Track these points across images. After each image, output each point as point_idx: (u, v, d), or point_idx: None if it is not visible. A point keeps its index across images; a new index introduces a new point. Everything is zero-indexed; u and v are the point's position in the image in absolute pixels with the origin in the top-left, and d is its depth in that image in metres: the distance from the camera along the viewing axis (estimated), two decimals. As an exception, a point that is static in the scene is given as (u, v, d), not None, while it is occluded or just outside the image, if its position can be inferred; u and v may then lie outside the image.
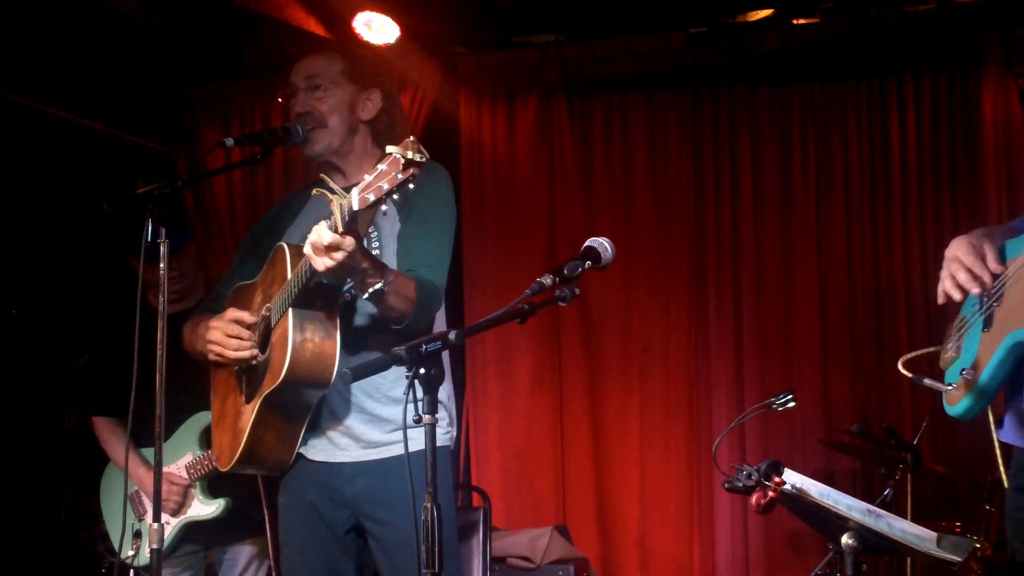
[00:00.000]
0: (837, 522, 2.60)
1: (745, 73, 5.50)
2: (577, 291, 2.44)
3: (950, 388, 2.35)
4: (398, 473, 2.83)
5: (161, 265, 2.76)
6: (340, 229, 2.49)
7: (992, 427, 2.37)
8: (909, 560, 4.33)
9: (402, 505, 2.77)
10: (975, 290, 2.28)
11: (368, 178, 2.40)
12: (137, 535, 3.79)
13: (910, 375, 2.44)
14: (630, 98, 5.70)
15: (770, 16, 5.44)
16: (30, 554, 5.54)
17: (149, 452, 3.89)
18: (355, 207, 2.43)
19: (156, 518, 2.72)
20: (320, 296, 2.75)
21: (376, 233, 2.95)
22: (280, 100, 3.13)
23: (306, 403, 2.85)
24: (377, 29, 5.14)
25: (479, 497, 4.83)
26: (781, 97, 5.52)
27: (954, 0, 5.13)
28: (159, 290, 3.99)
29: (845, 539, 2.59)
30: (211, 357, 2.92)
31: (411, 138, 2.38)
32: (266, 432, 2.84)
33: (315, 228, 2.54)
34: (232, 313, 2.89)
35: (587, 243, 2.53)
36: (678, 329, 5.56)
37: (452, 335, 2.32)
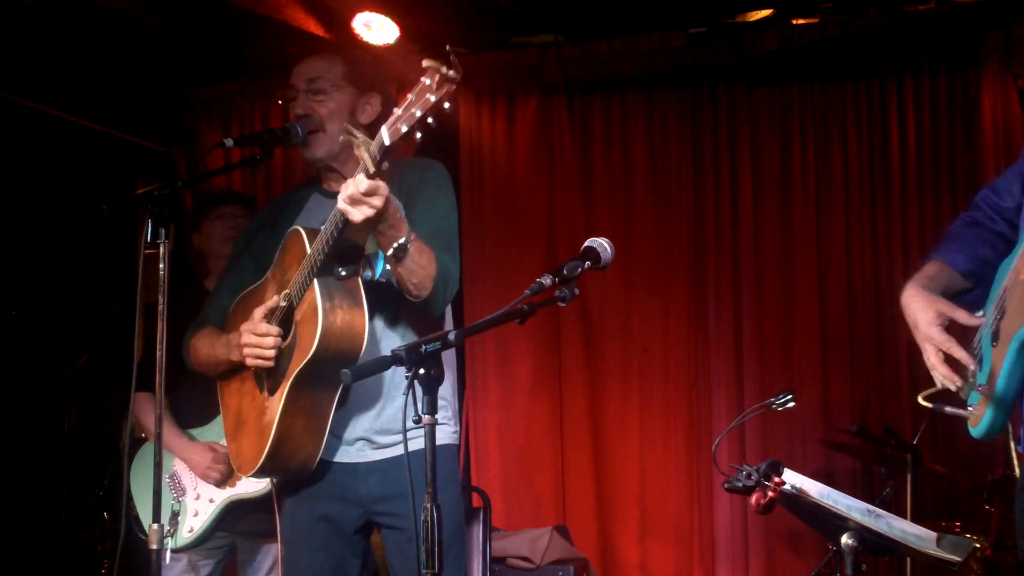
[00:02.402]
0: (837, 522, 2.60)
1: (745, 73, 5.50)
2: (577, 291, 2.44)
3: (971, 410, 2.34)
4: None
5: (161, 265, 2.75)
6: (372, 170, 2.47)
7: (1011, 442, 2.37)
8: (909, 560, 4.33)
9: (416, 497, 2.79)
10: (957, 383, 2.29)
11: (398, 111, 2.37)
12: (174, 516, 3.78)
13: (931, 405, 2.44)
14: (630, 98, 5.70)
15: (770, 16, 5.44)
16: (30, 554, 5.54)
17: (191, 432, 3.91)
18: (387, 142, 2.40)
19: (156, 519, 2.72)
20: (341, 264, 2.71)
21: None
22: (280, 102, 3.12)
23: (335, 381, 2.77)
24: (376, 30, 5.13)
25: (479, 497, 4.83)
26: (781, 97, 5.52)
27: (954, 0, 5.13)
28: (208, 258, 4.05)
29: (845, 539, 2.59)
30: (248, 362, 2.86)
31: (447, 47, 2.34)
32: (295, 420, 2.80)
33: (349, 181, 2.53)
34: (258, 312, 2.85)
35: (586, 243, 2.53)
36: (678, 329, 5.56)
37: (452, 335, 2.32)
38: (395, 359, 2.29)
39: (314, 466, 2.90)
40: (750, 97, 5.54)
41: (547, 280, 2.42)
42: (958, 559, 2.54)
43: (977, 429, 2.34)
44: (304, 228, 2.82)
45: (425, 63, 2.34)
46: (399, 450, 2.90)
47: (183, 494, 3.82)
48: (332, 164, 3.05)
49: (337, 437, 2.94)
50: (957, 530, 4.34)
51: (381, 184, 2.51)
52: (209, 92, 6.09)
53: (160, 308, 2.74)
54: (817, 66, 5.41)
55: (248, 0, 4.96)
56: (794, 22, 5.41)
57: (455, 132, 5.83)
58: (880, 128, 5.37)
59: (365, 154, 2.46)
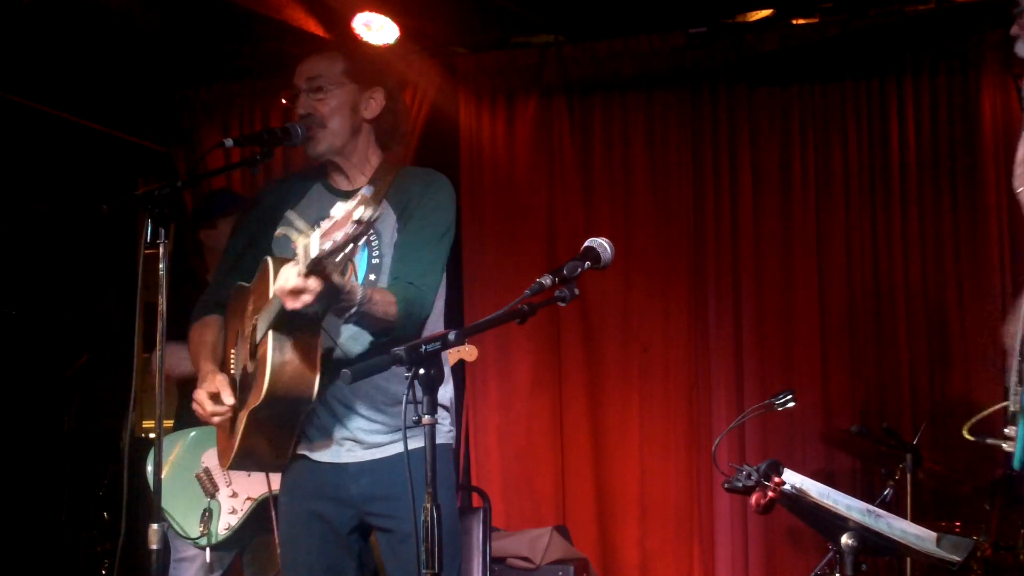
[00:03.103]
0: (837, 522, 2.60)
1: (745, 73, 5.50)
2: (577, 291, 2.44)
3: (1005, 447, 2.35)
4: (401, 469, 2.85)
5: (161, 265, 2.75)
6: (303, 272, 2.48)
7: None
8: (909, 560, 4.33)
9: (406, 498, 2.79)
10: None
11: (325, 224, 2.39)
12: (207, 514, 3.79)
13: (973, 438, 2.45)
14: (630, 98, 5.70)
15: (769, 16, 5.44)
16: (30, 554, 5.55)
17: (197, 430, 3.92)
18: (313, 254, 2.42)
19: (156, 519, 2.72)
20: (298, 317, 2.72)
21: (377, 241, 2.95)
22: (284, 102, 3.11)
23: (292, 414, 2.83)
24: (376, 30, 5.14)
25: (479, 497, 4.83)
26: (781, 97, 5.52)
27: (954, 0, 5.13)
28: (215, 255, 4.05)
29: (845, 539, 2.59)
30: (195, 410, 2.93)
31: (363, 191, 2.37)
32: (259, 440, 2.84)
33: (282, 271, 2.55)
34: (220, 383, 2.86)
35: (586, 243, 2.53)
36: (678, 329, 5.56)
37: (452, 335, 2.32)
38: (395, 359, 2.29)
39: (285, 467, 2.95)
40: (750, 97, 5.54)
41: (547, 280, 2.42)
42: (958, 559, 2.54)
43: (1014, 463, 2.35)
44: (273, 261, 2.79)
45: (341, 207, 2.37)
46: (389, 450, 2.91)
47: (216, 491, 3.83)
48: (335, 159, 3.05)
49: (327, 437, 2.95)
50: (957, 530, 4.34)
51: (309, 284, 2.50)
52: (209, 92, 6.09)
53: (160, 308, 2.73)
54: (817, 66, 5.41)
55: (248, 0, 4.96)
56: (794, 22, 5.41)
57: (455, 132, 5.83)
58: (880, 128, 5.36)
59: (301, 252, 2.46)
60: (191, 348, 3.06)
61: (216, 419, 2.85)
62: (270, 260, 2.80)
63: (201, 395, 2.85)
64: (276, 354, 2.70)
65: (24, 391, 5.59)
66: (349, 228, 2.36)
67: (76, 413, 5.70)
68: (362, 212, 2.35)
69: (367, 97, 3.04)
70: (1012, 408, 2.36)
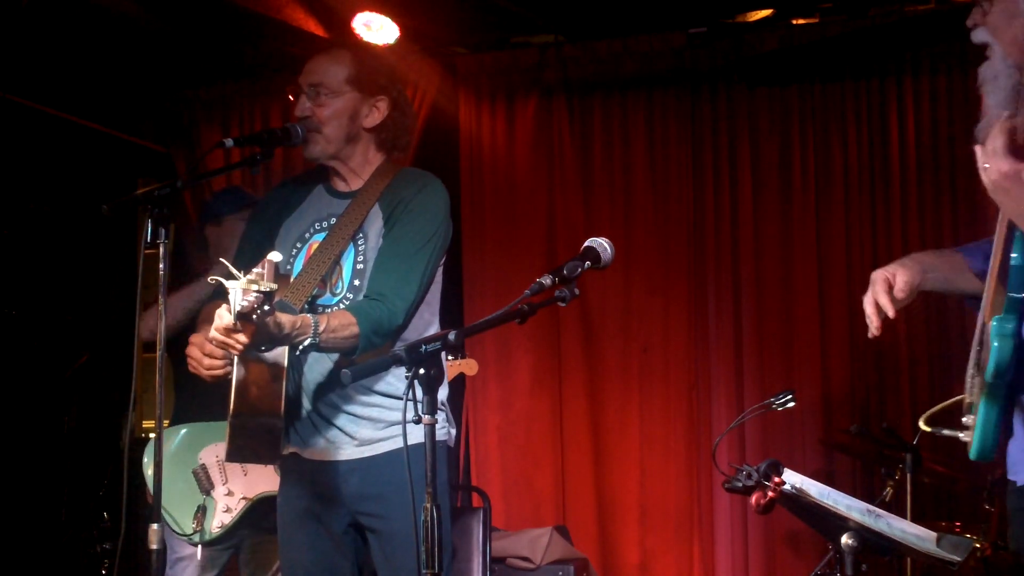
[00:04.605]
0: (837, 522, 2.60)
1: (744, 73, 5.50)
2: (576, 291, 2.44)
3: (962, 436, 2.36)
4: (390, 468, 2.85)
5: (160, 265, 2.74)
6: (232, 321, 2.47)
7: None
8: (909, 560, 4.32)
9: (394, 498, 2.80)
10: (873, 326, 2.40)
11: (244, 280, 2.39)
12: (201, 511, 3.80)
13: (930, 429, 2.46)
14: (630, 98, 5.70)
15: (769, 16, 5.44)
16: (30, 554, 5.54)
17: (195, 426, 3.93)
18: (236, 308, 2.40)
19: (156, 519, 2.72)
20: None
21: (363, 246, 2.94)
22: (291, 98, 3.11)
23: (266, 428, 2.80)
24: (376, 30, 5.14)
25: (479, 497, 4.84)
26: (780, 97, 5.52)
27: (954, 0, 5.13)
28: (218, 252, 4.04)
29: (845, 539, 2.59)
30: (190, 369, 2.86)
31: (255, 270, 2.39)
32: (245, 444, 2.83)
33: (218, 312, 2.54)
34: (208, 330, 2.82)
35: (586, 243, 2.54)
36: (678, 329, 5.56)
37: (452, 336, 2.32)
38: (395, 359, 2.29)
39: (277, 460, 2.95)
40: (750, 97, 5.54)
41: (547, 280, 2.42)
42: (958, 559, 2.54)
43: (972, 453, 2.36)
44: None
45: (232, 285, 2.38)
46: (379, 448, 2.91)
47: (212, 488, 3.84)
48: (330, 164, 3.04)
49: (317, 435, 2.94)
50: (957, 530, 4.34)
51: (240, 331, 2.50)
52: (209, 92, 6.09)
53: (160, 308, 2.73)
54: (817, 66, 5.41)
55: (248, 0, 4.96)
56: (794, 22, 5.41)
57: (455, 132, 5.83)
58: (880, 128, 5.36)
59: (231, 299, 2.42)
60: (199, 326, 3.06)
61: (207, 362, 2.74)
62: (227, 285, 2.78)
63: (193, 350, 2.76)
64: (240, 373, 2.70)
65: (24, 391, 5.59)
66: (251, 297, 2.36)
67: (76, 413, 5.70)
68: (258, 287, 2.36)
69: (370, 106, 3.01)
70: (968, 399, 2.37)
